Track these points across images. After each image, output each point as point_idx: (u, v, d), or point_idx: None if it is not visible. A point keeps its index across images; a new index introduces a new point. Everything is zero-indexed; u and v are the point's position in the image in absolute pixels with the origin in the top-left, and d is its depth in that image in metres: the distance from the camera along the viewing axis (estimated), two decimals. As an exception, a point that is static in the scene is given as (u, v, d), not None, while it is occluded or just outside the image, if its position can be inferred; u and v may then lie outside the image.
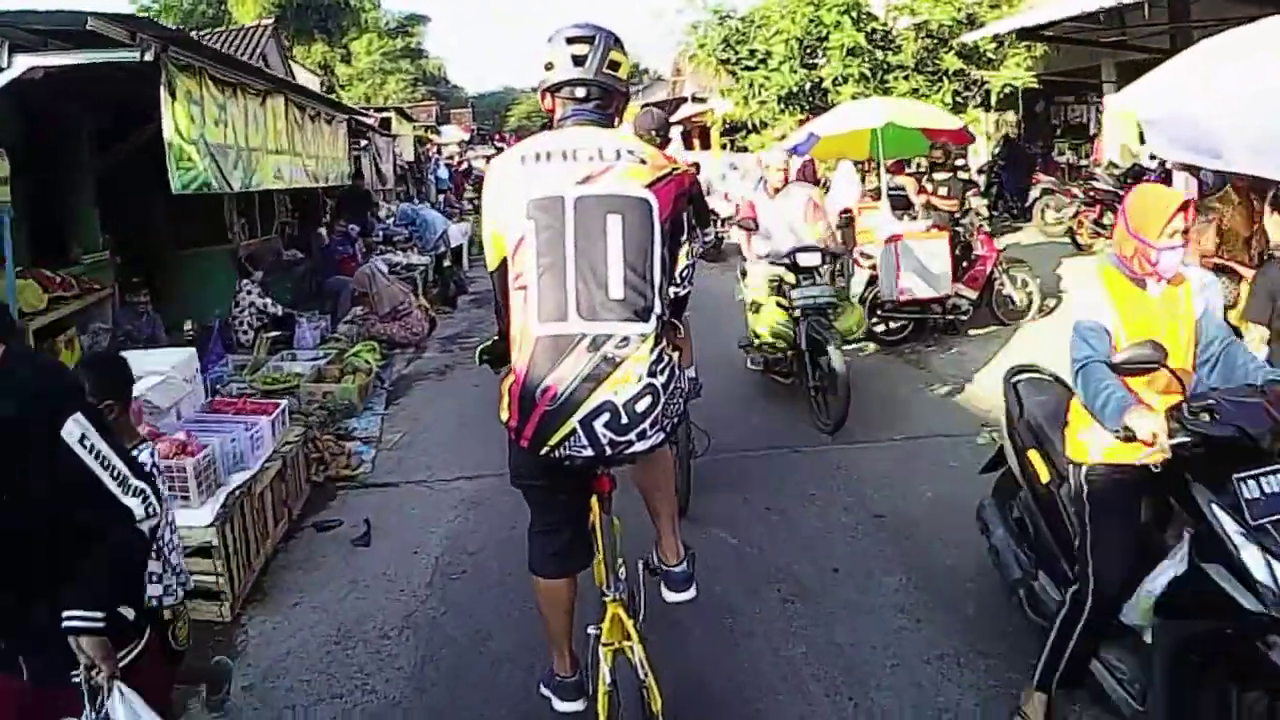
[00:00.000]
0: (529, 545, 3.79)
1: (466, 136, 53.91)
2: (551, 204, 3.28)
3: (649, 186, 3.35)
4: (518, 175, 3.40)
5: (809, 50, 15.23)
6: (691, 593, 4.03)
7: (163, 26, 7.75)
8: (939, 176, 12.04)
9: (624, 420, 3.24)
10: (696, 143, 32.00)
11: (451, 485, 7.28)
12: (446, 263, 16.16)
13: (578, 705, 3.82)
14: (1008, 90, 14.67)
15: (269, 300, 11.44)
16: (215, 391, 8.98)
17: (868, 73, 14.62)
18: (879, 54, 14.88)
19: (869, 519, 6.44)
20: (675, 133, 30.12)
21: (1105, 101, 17.63)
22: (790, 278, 8.63)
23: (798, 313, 8.36)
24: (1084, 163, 18.67)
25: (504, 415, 3.42)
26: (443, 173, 37.61)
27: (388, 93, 48.02)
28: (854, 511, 6.57)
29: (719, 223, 22.50)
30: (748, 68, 15.93)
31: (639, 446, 3.32)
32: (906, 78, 14.86)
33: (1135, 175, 14.24)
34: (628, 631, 3.66)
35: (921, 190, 12.24)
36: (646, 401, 3.25)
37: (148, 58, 7.46)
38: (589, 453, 3.28)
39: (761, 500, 6.78)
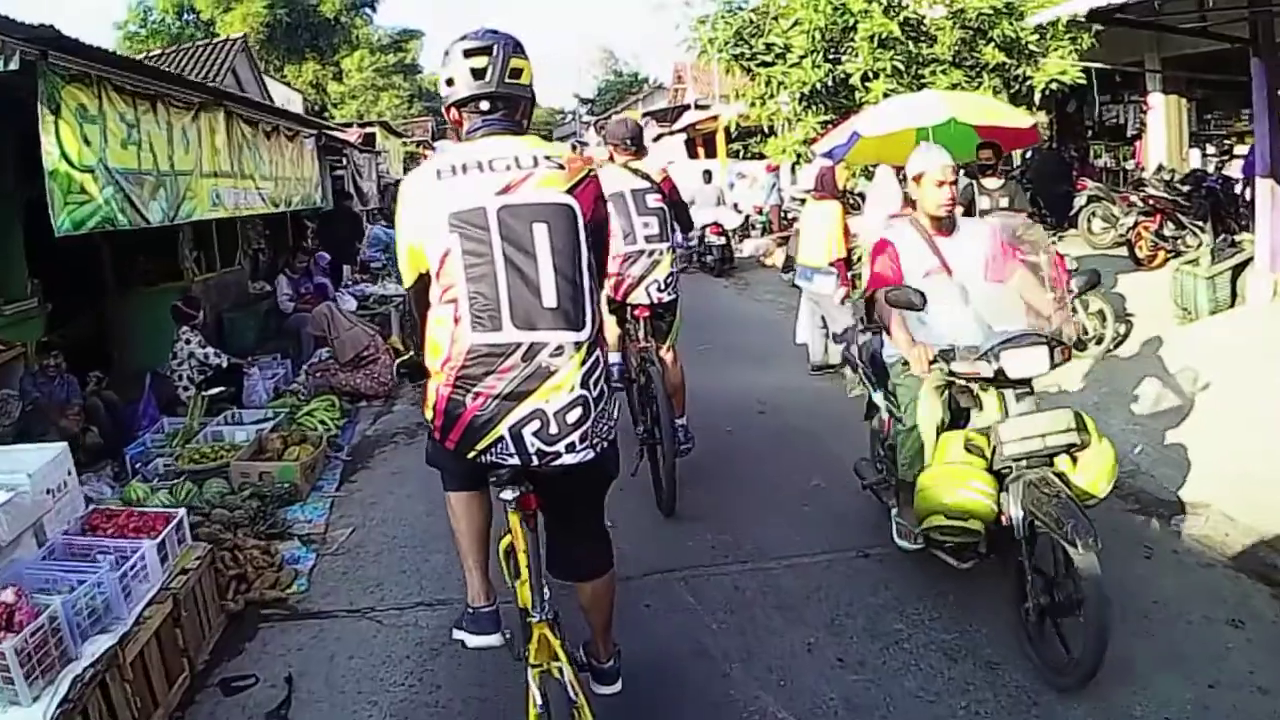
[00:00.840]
0: (441, 470, 3.74)
1: (466, 150, 52.10)
2: (474, 215, 3.23)
3: (569, 191, 3.33)
4: (435, 190, 3.31)
5: (833, 43, 13.47)
6: (618, 686, 3.95)
7: (38, 26, 6.00)
8: (990, 184, 10.29)
9: (553, 430, 3.23)
10: (702, 150, 30.32)
11: (406, 617, 5.37)
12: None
13: (493, 640, 3.73)
14: (1054, 86, 12.87)
15: (210, 350, 9.68)
16: (125, 475, 7.34)
17: (901, 66, 12.84)
18: (912, 46, 13.11)
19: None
20: (679, 140, 28.64)
21: (1149, 100, 16.10)
22: (990, 400, 4.73)
23: (1009, 466, 4.46)
24: (1126, 166, 17.03)
25: (428, 415, 3.42)
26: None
27: (381, 109, 46.32)
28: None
29: (736, 234, 20.99)
30: (764, 63, 14.10)
31: (566, 459, 3.27)
32: (944, 72, 13.08)
33: (1195, 181, 12.54)
34: (555, 652, 3.54)
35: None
36: (577, 413, 3.25)
37: (12, 66, 5.85)
38: (515, 461, 3.27)
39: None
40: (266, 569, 5.77)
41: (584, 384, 3.25)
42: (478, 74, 3.37)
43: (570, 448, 3.25)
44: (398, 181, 27.73)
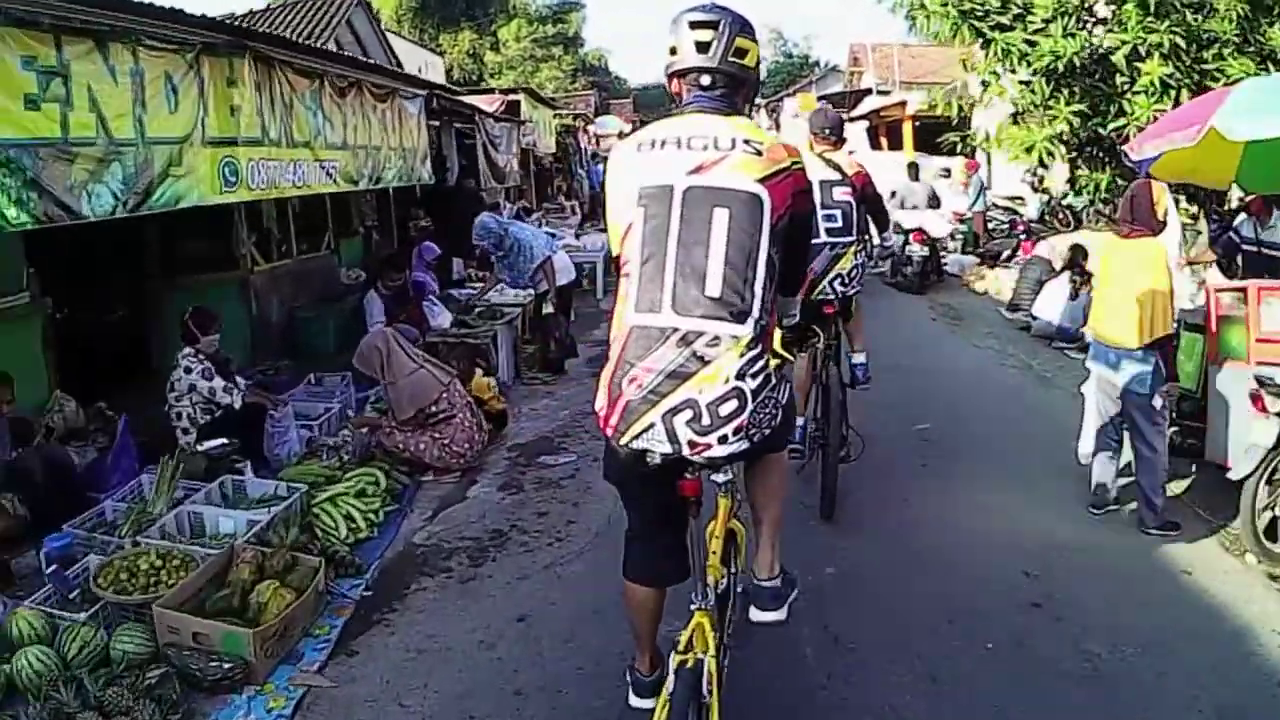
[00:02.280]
0: (624, 548, 3.62)
1: (628, 128, 49.36)
2: (661, 192, 3.13)
3: (761, 181, 3.12)
4: (633, 162, 3.26)
5: (1088, 8, 10.14)
6: (780, 614, 3.67)
7: None
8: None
9: (705, 420, 3.03)
10: (884, 141, 26.93)
11: None
12: (547, 307, 10.34)
13: (650, 703, 3.51)
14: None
15: (218, 383, 6.84)
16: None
17: (1180, 42, 9.44)
18: (1189, 15, 9.70)
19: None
20: (860, 128, 25.36)
21: None
22: None
23: None
24: None
25: (598, 403, 3.25)
26: (599, 166, 33.33)
27: (540, 80, 43.68)
28: None
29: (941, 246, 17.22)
30: (999, 25, 10.71)
31: (718, 451, 3.08)
32: (1233, 56, 9.64)
33: None
34: (707, 644, 3.32)
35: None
36: (732, 405, 3.04)
37: None
38: (666, 449, 3.09)
39: None
40: None
41: (740, 375, 3.03)
42: (701, 47, 3.25)
43: (723, 440, 3.05)
44: (553, 158, 25.52)
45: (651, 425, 3.05)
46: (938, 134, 24.53)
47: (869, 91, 31.93)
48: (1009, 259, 16.54)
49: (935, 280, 16.08)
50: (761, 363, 3.10)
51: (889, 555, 5.70)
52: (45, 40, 4.71)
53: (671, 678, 3.19)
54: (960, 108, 12.99)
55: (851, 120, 26.99)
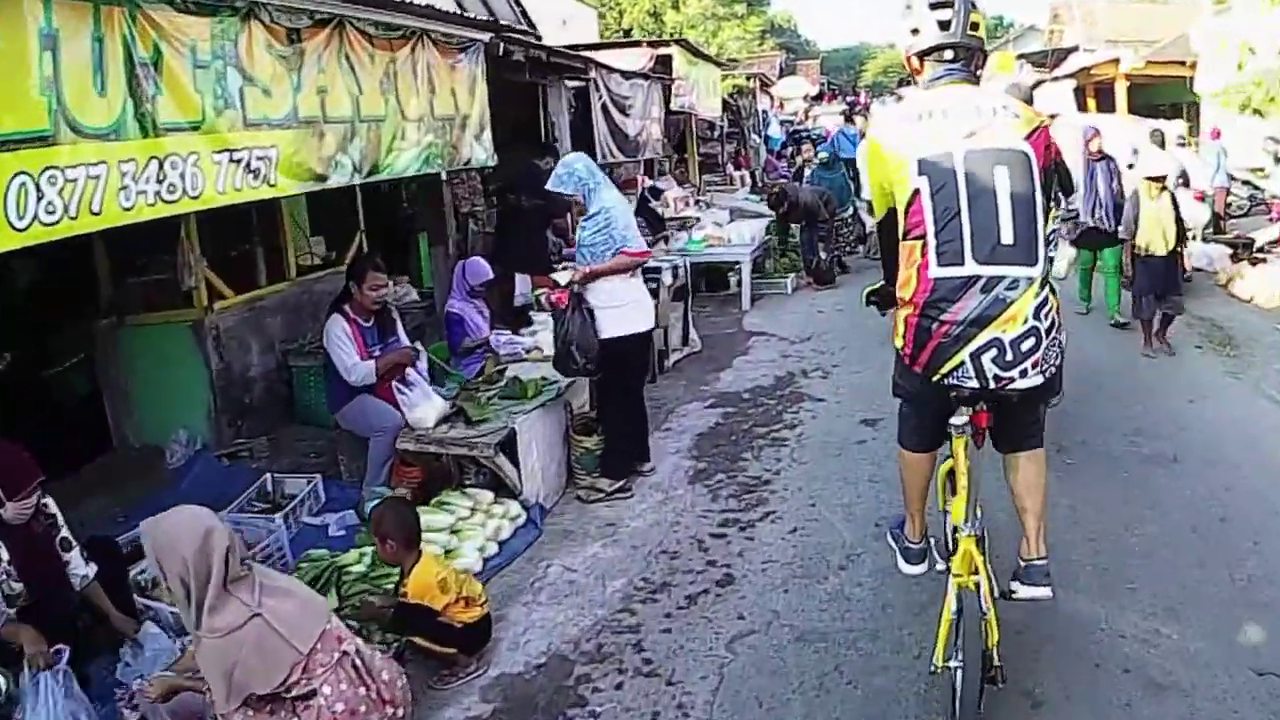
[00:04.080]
0: (899, 425, 4.06)
1: (814, 90, 45.28)
2: (942, 159, 3.40)
3: (1026, 139, 3.45)
4: (905, 136, 3.53)
5: None
6: (1048, 590, 3.80)
7: None
8: None
9: (1009, 357, 3.35)
10: (1093, 103, 22.65)
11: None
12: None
13: (919, 569, 4.17)
14: None
15: (6, 571, 3.91)
16: None
17: None
18: None
19: None
20: (1066, 89, 21.23)
21: None
22: None
23: None
24: None
25: (899, 343, 3.62)
26: (775, 131, 29.60)
27: (722, 40, 39.89)
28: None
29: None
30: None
31: (1019, 384, 3.40)
32: None
33: None
34: (976, 566, 3.62)
35: None
36: (1030, 342, 3.34)
37: None
38: (974, 384, 3.42)
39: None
40: None
41: (1036, 315, 3.35)
42: (944, 25, 3.56)
43: (1023, 373, 3.37)
44: (718, 123, 21.94)
45: (962, 364, 3.39)
46: (1154, 96, 20.61)
47: (1074, 49, 27.36)
48: (1271, 249, 12.22)
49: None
50: (1049, 302, 3.42)
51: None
52: None
53: (952, 599, 3.57)
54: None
55: (1055, 80, 22.90)
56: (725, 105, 22.65)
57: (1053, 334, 3.39)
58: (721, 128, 22.81)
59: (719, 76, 21.06)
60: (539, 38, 17.28)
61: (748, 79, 26.90)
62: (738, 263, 12.67)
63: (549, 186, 6.51)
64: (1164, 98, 22.15)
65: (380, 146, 6.14)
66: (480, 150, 7.56)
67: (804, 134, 27.92)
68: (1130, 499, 5.87)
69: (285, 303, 7.76)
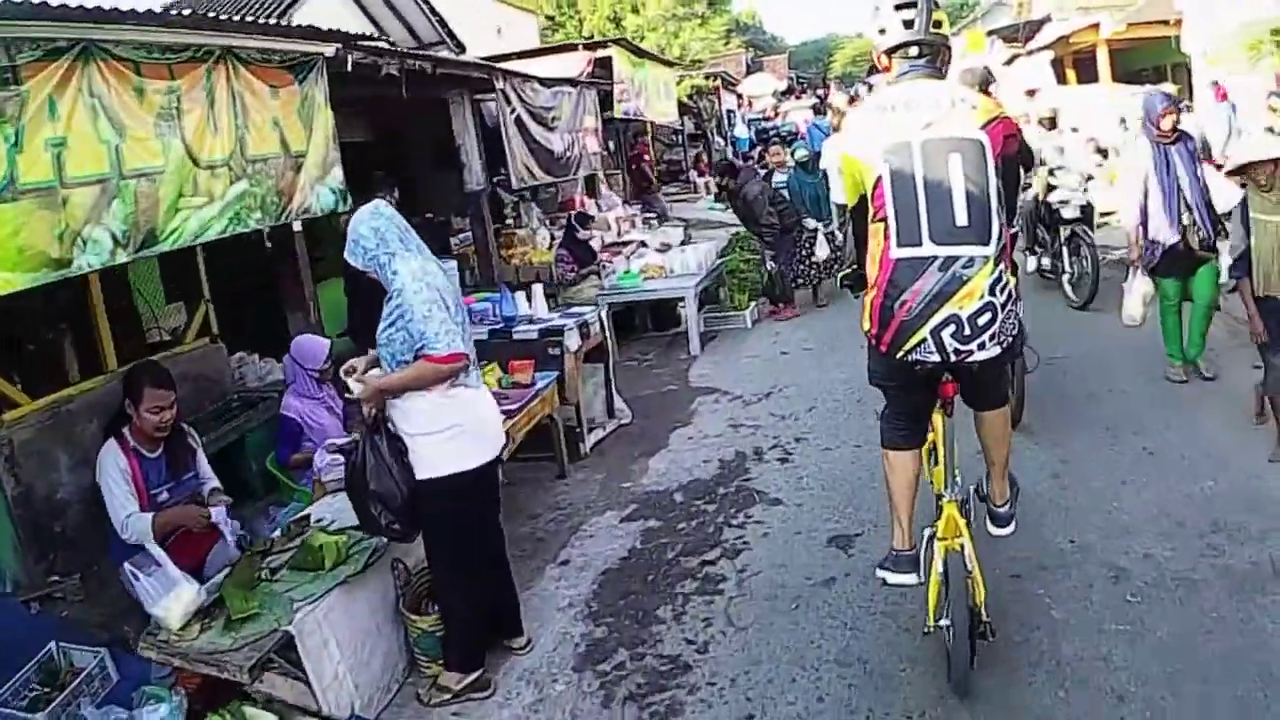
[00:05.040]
0: (881, 425, 4.14)
1: (783, 85, 43.75)
2: (902, 148, 3.59)
3: (981, 128, 3.60)
4: (872, 126, 3.75)
5: None
6: (1011, 529, 4.24)
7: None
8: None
9: (967, 331, 3.52)
10: (1073, 74, 21.19)
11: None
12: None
13: (909, 578, 4.01)
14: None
15: None
16: None
17: None
18: None
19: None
20: (1044, 61, 20.16)
21: None
22: None
23: None
24: None
25: (865, 325, 3.77)
26: (742, 131, 28.11)
27: (683, 42, 38.24)
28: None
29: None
30: None
31: (979, 355, 3.57)
32: None
33: None
34: (959, 530, 3.86)
35: None
36: (987, 316, 3.52)
37: None
38: (936, 358, 3.58)
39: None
40: None
41: (992, 291, 3.51)
42: (908, 24, 3.76)
43: (981, 346, 3.54)
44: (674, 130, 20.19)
45: (923, 340, 3.55)
46: (1134, 61, 19.47)
47: (1047, 20, 25.87)
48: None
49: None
50: (1005, 279, 3.60)
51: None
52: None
53: (939, 561, 3.83)
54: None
55: (1030, 54, 21.50)
56: (685, 108, 21.11)
57: (1008, 307, 3.59)
58: (683, 132, 21.29)
59: (672, 78, 19.51)
60: (460, 48, 15.86)
61: (706, 78, 25.36)
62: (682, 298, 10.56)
63: (345, 256, 4.42)
64: (1145, 61, 20.89)
65: (159, 207, 4.59)
66: (326, 194, 5.95)
67: (772, 132, 26.35)
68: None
69: (102, 402, 6.14)
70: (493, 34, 18.38)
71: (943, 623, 3.81)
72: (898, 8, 3.77)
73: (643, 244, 12.39)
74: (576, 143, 11.81)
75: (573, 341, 7.20)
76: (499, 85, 9.78)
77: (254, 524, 5.96)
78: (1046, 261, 10.36)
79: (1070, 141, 11.74)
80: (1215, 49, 14.56)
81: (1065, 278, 9.86)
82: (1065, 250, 9.85)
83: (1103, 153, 17.26)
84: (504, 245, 11.53)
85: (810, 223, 11.47)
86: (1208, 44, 14.79)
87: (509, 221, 12.72)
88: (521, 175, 10.08)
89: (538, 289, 7.89)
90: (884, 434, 4.10)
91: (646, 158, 18.24)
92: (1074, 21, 21.05)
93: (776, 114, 35.01)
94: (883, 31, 3.84)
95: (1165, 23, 17.14)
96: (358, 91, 7.49)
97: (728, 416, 8.06)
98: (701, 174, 21.43)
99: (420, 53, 8.75)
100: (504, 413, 5.26)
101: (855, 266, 4.13)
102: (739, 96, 37.13)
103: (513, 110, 10.04)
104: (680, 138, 21.07)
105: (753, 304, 11.61)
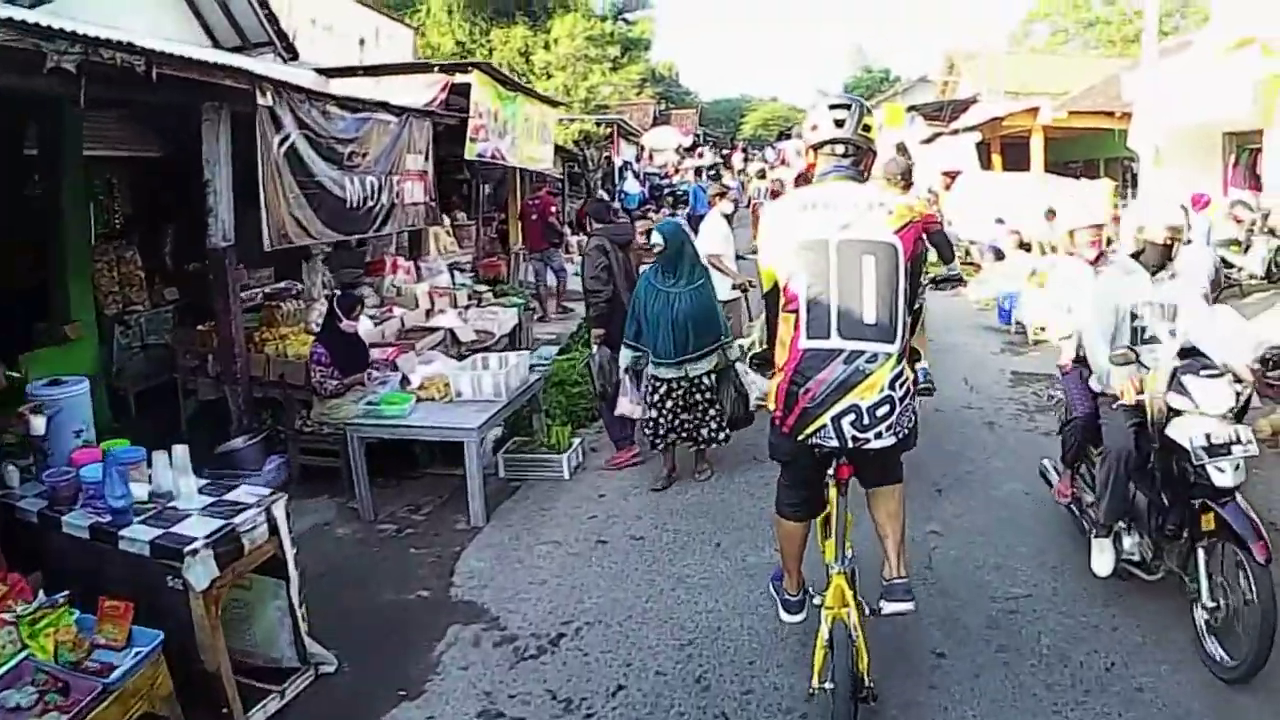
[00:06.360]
0: (777, 493, 4.25)
1: (688, 141, 41.57)
2: (818, 245, 3.67)
3: (896, 232, 3.68)
4: (791, 220, 3.81)
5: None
6: (910, 605, 4.07)
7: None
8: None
9: (866, 421, 3.59)
10: (997, 158, 19.33)
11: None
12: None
13: (799, 617, 4.37)
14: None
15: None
16: None
17: None
18: None
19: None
20: (969, 143, 18.56)
21: None
22: None
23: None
24: None
25: (771, 406, 3.83)
26: (633, 187, 25.52)
27: (592, 83, 35.75)
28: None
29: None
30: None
31: (875, 444, 3.64)
32: None
33: None
34: (846, 600, 3.91)
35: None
36: (885, 408, 3.59)
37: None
38: (834, 443, 3.66)
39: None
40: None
41: (891, 386, 3.59)
42: (839, 124, 3.83)
43: (878, 435, 3.61)
44: (549, 180, 17.35)
45: (824, 425, 3.62)
46: (1067, 152, 18.06)
47: (973, 100, 24.15)
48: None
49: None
50: (904, 375, 3.68)
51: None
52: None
53: (825, 629, 3.89)
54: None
55: (954, 134, 19.62)
56: (569, 155, 18.45)
57: (906, 401, 3.64)
58: (564, 182, 18.56)
59: (554, 119, 16.78)
60: (290, 53, 12.96)
61: (598, 125, 22.76)
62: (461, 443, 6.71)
63: None
64: (1079, 153, 19.24)
65: None
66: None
67: (667, 191, 23.79)
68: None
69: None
70: (354, 44, 15.59)
71: (827, 685, 3.83)
72: (832, 107, 3.85)
73: (452, 333, 9.33)
74: (388, 189, 8.87)
75: (200, 576, 4.02)
76: (263, 101, 6.91)
77: None
78: (1148, 553, 5.03)
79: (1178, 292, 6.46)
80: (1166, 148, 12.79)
81: (1201, 605, 4.56)
82: (1203, 554, 4.56)
83: (1025, 247, 15.26)
84: (263, 324, 8.33)
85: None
86: (1160, 141, 12.87)
87: (284, 284, 9.54)
88: (282, 230, 7.14)
89: (181, 451, 4.65)
90: (779, 501, 4.24)
91: (553, 209, 15.08)
92: (1008, 105, 19.24)
93: (677, 171, 32.88)
94: (815, 127, 3.90)
95: (1110, 114, 16.10)
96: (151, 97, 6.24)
97: (484, 687, 4.68)
98: (577, 232, 18.08)
99: (109, 40, 5.58)
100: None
101: (765, 348, 4.17)
102: (641, 148, 34.88)
103: (284, 137, 7.17)
104: (562, 186, 18.35)
105: (576, 442, 7.85)
